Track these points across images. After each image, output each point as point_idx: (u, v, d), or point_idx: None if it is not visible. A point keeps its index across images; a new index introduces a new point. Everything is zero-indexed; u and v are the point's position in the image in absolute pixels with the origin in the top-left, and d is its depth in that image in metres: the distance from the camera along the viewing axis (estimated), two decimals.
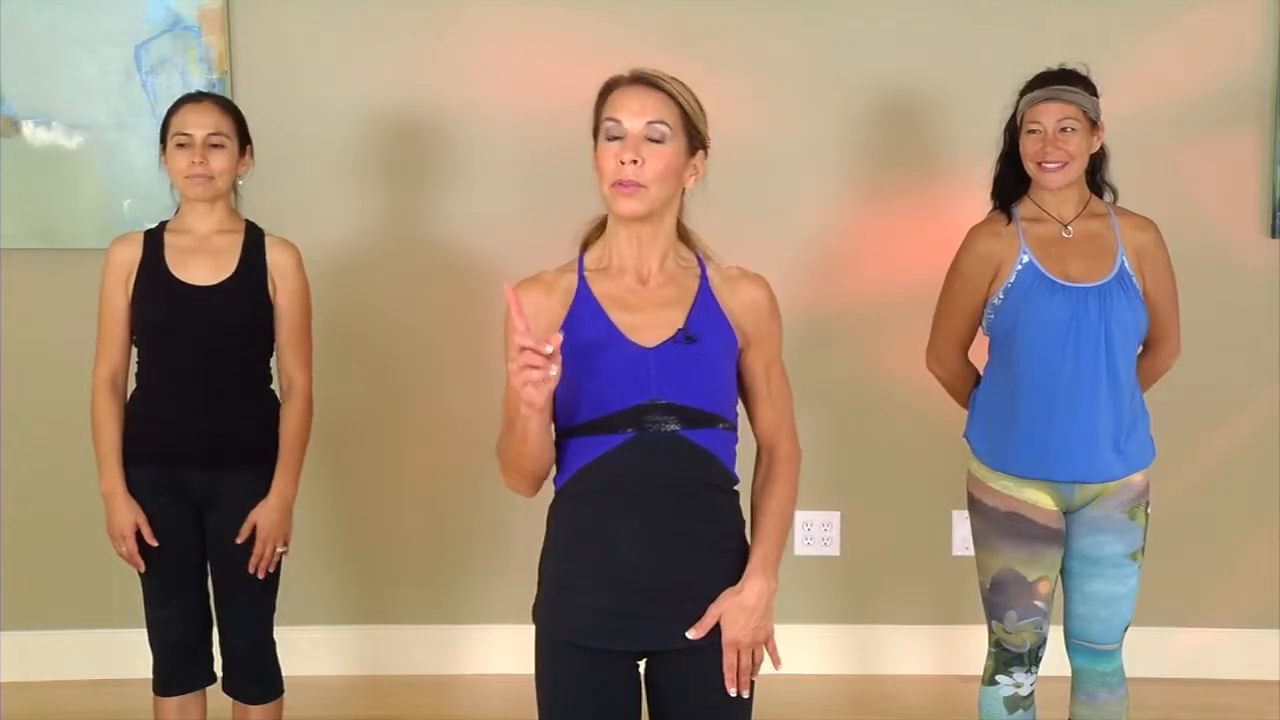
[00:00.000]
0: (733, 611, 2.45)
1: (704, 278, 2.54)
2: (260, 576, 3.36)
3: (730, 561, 2.51)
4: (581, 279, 2.50)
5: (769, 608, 2.48)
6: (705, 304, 2.51)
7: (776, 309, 2.59)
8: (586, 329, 2.45)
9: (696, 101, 2.50)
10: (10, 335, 4.45)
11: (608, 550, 2.45)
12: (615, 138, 2.44)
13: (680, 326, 2.47)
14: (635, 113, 2.43)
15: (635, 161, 2.41)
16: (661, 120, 2.43)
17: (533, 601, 2.58)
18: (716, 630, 2.47)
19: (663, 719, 2.55)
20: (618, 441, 2.43)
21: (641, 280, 2.50)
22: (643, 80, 2.47)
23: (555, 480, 2.54)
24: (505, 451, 2.48)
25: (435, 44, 4.46)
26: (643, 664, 2.52)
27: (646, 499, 2.44)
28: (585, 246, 2.59)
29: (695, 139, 2.49)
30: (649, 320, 2.47)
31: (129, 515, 3.32)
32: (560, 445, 2.50)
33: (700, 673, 2.48)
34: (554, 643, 2.51)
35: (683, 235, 2.57)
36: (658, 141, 2.43)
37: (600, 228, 2.58)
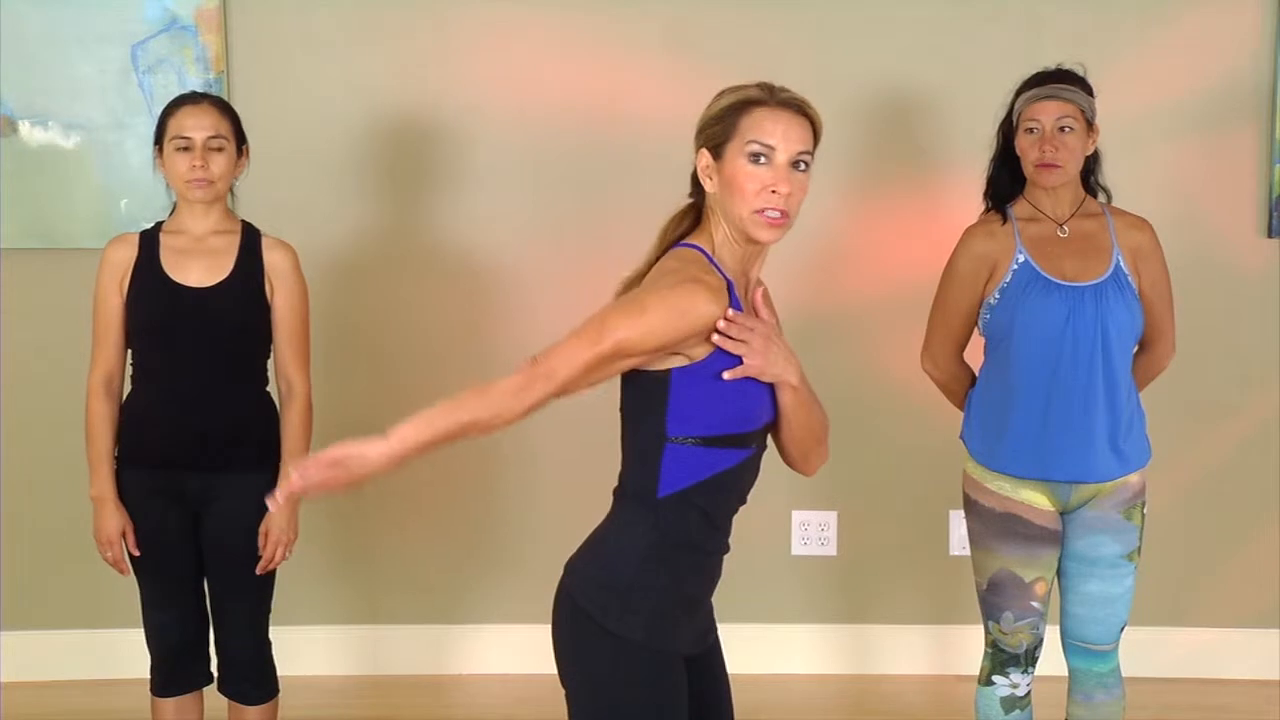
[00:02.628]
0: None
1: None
2: (259, 574, 3.36)
3: None
4: (731, 289, 2.44)
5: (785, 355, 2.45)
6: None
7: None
8: None
9: (823, 125, 2.49)
10: (8, 335, 4.45)
11: (709, 558, 2.51)
12: (761, 161, 2.40)
13: None
14: (791, 140, 2.41)
15: (789, 193, 2.40)
16: (808, 150, 2.43)
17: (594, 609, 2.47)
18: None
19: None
20: (744, 456, 2.45)
21: (742, 295, 2.49)
22: (793, 106, 2.44)
23: (657, 484, 2.43)
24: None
25: (432, 44, 4.46)
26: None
27: (734, 511, 2.52)
28: (670, 240, 2.52)
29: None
30: None
31: (116, 521, 3.33)
32: (672, 449, 2.42)
33: (718, 666, 2.61)
34: (659, 653, 2.44)
35: None
36: (801, 171, 2.43)
37: (682, 218, 2.52)
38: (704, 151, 2.45)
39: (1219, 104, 4.46)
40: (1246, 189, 4.49)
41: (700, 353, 2.39)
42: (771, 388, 2.45)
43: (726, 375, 2.38)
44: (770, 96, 2.44)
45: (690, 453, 2.41)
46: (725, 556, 2.56)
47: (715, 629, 2.61)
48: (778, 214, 2.40)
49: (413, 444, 2.33)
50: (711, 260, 2.45)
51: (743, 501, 2.54)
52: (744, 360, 2.39)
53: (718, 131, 2.44)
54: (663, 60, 4.38)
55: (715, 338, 2.36)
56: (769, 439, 2.54)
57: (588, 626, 2.44)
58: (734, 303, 2.42)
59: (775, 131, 2.40)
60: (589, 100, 4.45)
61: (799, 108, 2.44)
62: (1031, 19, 4.41)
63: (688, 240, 2.49)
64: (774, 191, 2.39)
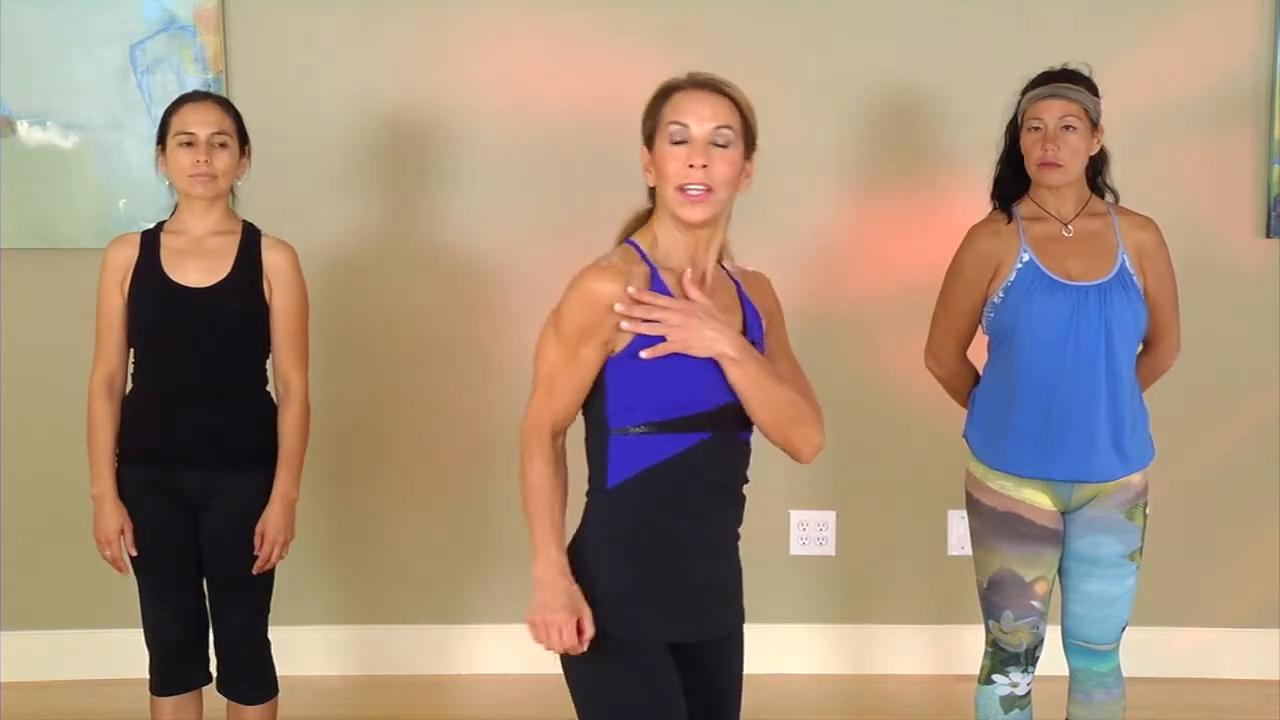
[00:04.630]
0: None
1: (735, 279, 2.60)
2: (256, 574, 3.36)
3: (738, 550, 2.64)
4: (656, 274, 2.48)
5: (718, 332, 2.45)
6: (749, 306, 2.58)
7: (777, 296, 2.69)
8: None
9: (752, 106, 2.52)
10: (7, 335, 4.44)
11: (678, 546, 2.49)
12: (680, 142, 2.45)
13: (740, 329, 2.52)
14: (704, 117, 2.44)
15: (704, 166, 2.43)
16: (727, 125, 2.46)
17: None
18: (740, 619, 2.64)
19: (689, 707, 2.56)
20: (693, 441, 2.45)
21: (699, 282, 2.50)
22: (707, 85, 2.48)
23: (606, 476, 2.50)
24: (523, 486, 2.54)
25: (431, 44, 4.45)
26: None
27: (711, 497, 2.50)
28: (620, 240, 2.57)
29: (750, 143, 2.52)
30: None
31: (116, 520, 3.33)
32: (617, 440, 2.48)
33: (727, 659, 2.61)
34: (629, 642, 2.48)
35: None
36: (723, 146, 2.45)
37: (638, 221, 2.57)
38: (643, 148, 2.52)
39: (1218, 104, 4.46)
40: (1245, 189, 4.49)
41: (623, 340, 2.44)
42: (707, 370, 2.44)
43: (644, 354, 2.41)
44: (688, 80, 2.50)
45: (635, 442, 2.45)
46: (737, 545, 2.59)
47: (732, 620, 2.61)
48: (699, 189, 2.43)
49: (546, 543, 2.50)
50: (640, 251, 2.49)
51: (726, 487, 2.53)
52: (666, 339, 2.41)
53: (647, 125, 2.51)
54: (662, 60, 4.31)
55: (623, 324, 2.40)
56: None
57: None
58: (658, 287, 2.45)
59: (691, 110, 2.45)
60: (588, 100, 4.44)
61: (715, 86, 2.49)
62: (1032, 19, 4.41)
63: (631, 237, 2.54)
64: (690, 166, 2.42)
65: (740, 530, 2.62)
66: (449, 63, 4.46)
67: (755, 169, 2.55)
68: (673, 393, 2.44)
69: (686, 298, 2.45)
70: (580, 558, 2.51)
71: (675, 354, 2.42)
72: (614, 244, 2.57)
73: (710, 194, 2.44)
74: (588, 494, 2.54)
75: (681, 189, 2.44)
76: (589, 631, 2.44)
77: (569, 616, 2.43)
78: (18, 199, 4.40)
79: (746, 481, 2.60)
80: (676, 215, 2.47)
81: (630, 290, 2.40)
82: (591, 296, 2.43)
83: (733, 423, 2.50)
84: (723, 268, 2.58)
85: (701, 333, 2.41)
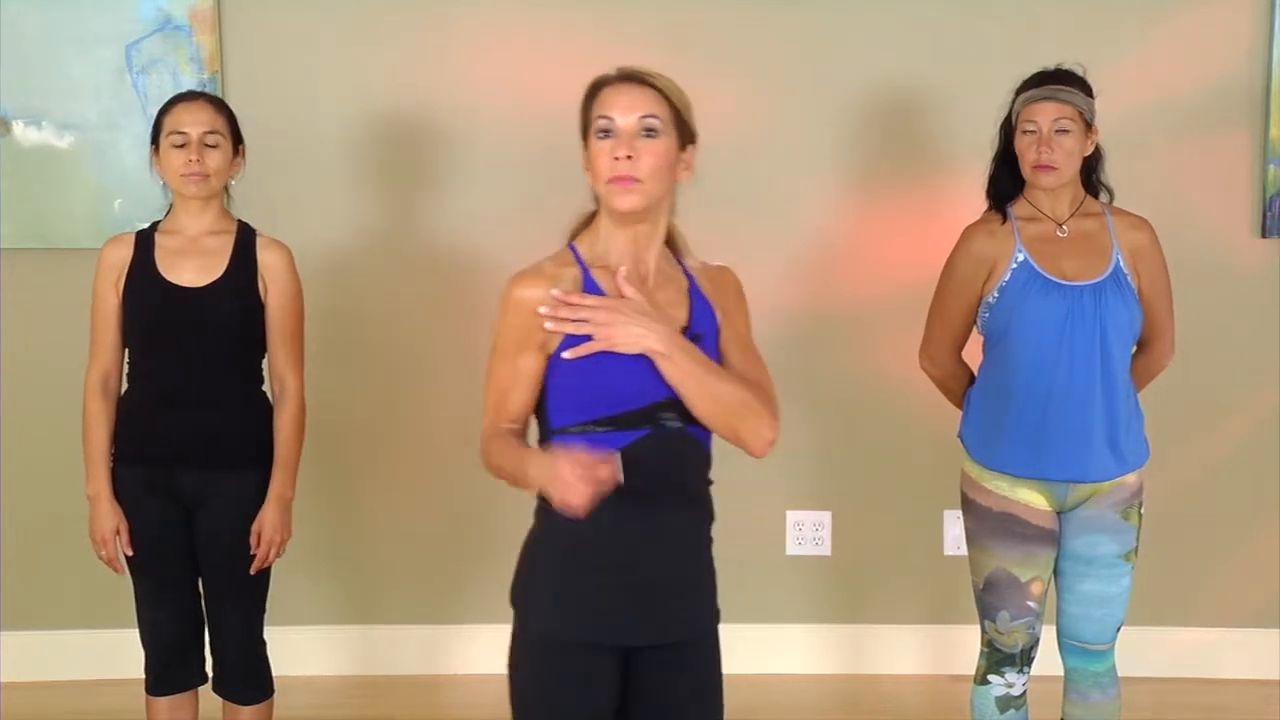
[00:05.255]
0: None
1: (689, 274, 2.56)
2: (252, 573, 3.36)
3: (708, 553, 2.59)
4: (587, 274, 2.49)
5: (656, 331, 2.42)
6: (700, 301, 2.54)
7: (742, 290, 2.64)
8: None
9: (684, 95, 2.51)
10: (4, 335, 4.44)
11: (620, 546, 2.46)
12: (607, 135, 2.44)
13: (684, 324, 2.49)
14: (626, 108, 2.44)
15: (630, 157, 2.42)
16: (653, 115, 2.44)
17: (510, 595, 2.57)
18: (704, 624, 2.56)
19: (639, 713, 2.54)
20: (630, 439, 2.43)
21: (639, 278, 2.49)
22: (631, 78, 2.48)
23: None
24: (496, 471, 2.52)
25: (427, 43, 4.45)
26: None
27: (658, 495, 2.45)
28: (572, 239, 2.58)
29: (685, 133, 2.50)
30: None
31: (111, 520, 3.33)
32: (558, 440, 2.47)
33: (685, 666, 2.53)
34: (550, 642, 2.49)
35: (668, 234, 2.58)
36: (650, 137, 2.44)
37: (585, 223, 2.57)
38: (582, 148, 2.51)
39: (1213, 104, 4.46)
40: (1240, 189, 4.49)
41: (554, 342, 2.44)
42: (641, 366, 2.41)
43: (565, 355, 2.41)
44: (614, 74, 2.50)
45: (573, 441, 2.42)
46: (710, 548, 2.55)
47: (692, 625, 2.54)
48: (627, 180, 2.42)
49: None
50: (576, 254, 2.50)
51: (676, 485, 2.49)
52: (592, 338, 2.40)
53: (581, 125, 2.51)
54: (661, 61, 4.33)
55: (548, 324, 2.40)
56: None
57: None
58: (590, 288, 2.45)
59: (616, 103, 2.46)
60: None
61: (639, 78, 2.49)
62: (1029, 19, 4.41)
63: (575, 239, 2.55)
64: (616, 158, 2.42)
65: (710, 531, 2.57)
66: (447, 63, 4.46)
67: (695, 158, 2.52)
68: (604, 391, 2.43)
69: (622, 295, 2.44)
70: (521, 555, 2.55)
71: (604, 352, 2.41)
72: (564, 245, 2.57)
73: (637, 184, 2.43)
74: (538, 493, 2.52)
75: (611, 181, 2.43)
76: (610, 463, 2.33)
77: (576, 467, 2.30)
78: (13, 199, 4.40)
79: (709, 481, 2.55)
80: (609, 208, 2.47)
81: (554, 293, 2.40)
82: (517, 303, 2.45)
83: (676, 418, 2.45)
84: (681, 263, 2.57)
85: (628, 329, 2.39)
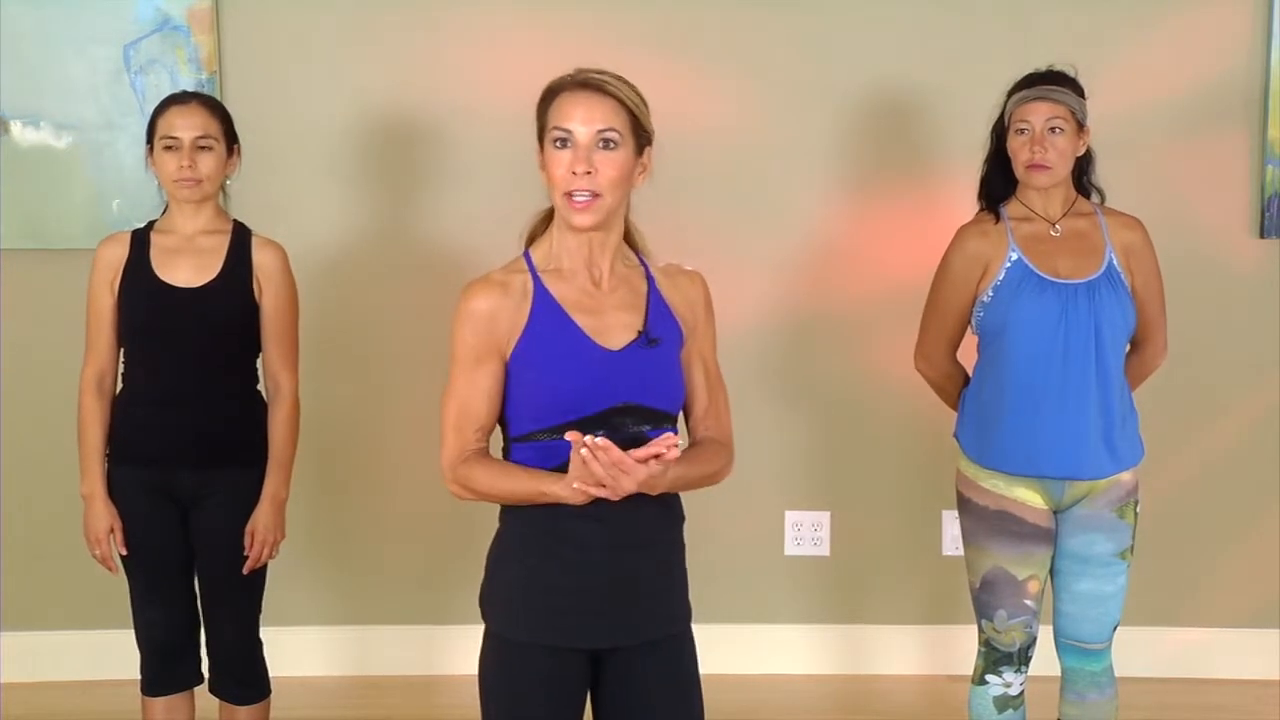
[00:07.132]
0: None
1: (650, 277, 2.55)
2: (246, 573, 3.36)
3: (677, 554, 2.59)
4: (537, 280, 2.47)
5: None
6: (657, 305, 2.52)
7: (711, 303, 2.61)
8: (550, 332, 2.45)
9: (641, 98, 2.46)
10: (2, 335, 4.44)
11: (578, 551, 2.46)
12: (564, 146, 2.40)
13: (640, 329, 2.47)
14: (584, 120, 2.40)
15: (589, 172, 2.38)
16: (611, 128, 2.40)
17: (478, 597, 2.62)
18: (676, 622, 2.56)
19: (612, 714, 2.55)
20: None
21: (595, 283, 2.48)
22: (588, 85, 2.43)
23: None
24: (481, 496, 2.52)
25: (424, 44, 4.45)
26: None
27: (620, 498, 2.40)
28: (531, 240, 2.57)
29: (642, 137, 2.47)
30: (609, 323, 2.47)
31: (105, 519, 3.33)
32: (519, 448, 2.49)
33: (656, 667, 2.52)
34: (512, 643, 2.52)
35: (626, 233, 2.55)
36: (608, 149, 2.40)
37: (543, 222, 2.55)
38: (538, 151, 2.48)
39: (1211, 104, 4.46)
40: (1238, 189, 4.49)
41: (511, 348, 2.44)
42: (594, 372, 2.41)
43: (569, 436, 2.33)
44: (571, 80, 2.45)
45: (531, 449, 2.45)
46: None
47: (659, 625, 2.53)
48: (585, 196, 2.39)
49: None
50: (529, 262, 2.49)
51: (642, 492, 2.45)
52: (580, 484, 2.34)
53: (538, 128, 2.48)
54: (660, 61, 4.38)
55: (585, 453, 2.29)
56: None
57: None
58: (540, 296, 2.44)
59: (574, 114, 2.41)
60: None
61: (599, 86, 2.43)
62: (1025, 20, 4.40)
63: (531, 243, 2.54)
64: (574, 173, 2.38)
65: (680, 531, 2.57)
66: (444, 63, 4.45)
67: (652, 159, 2.50)
68: (558, 398, 2.42)
69: (641, 461, 2.32)
70: (488, 558, 2.58)
71: (561, 359, 2.41)
72: (520, 243, 2.56)
73: (596, 199, 2.40)
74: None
75: (568, 195, 2.40)
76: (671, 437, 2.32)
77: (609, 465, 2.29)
78: (11, 199, 4.40)
79: None
80: (566, 222, 2.44)
81: (589, 440, 2.28)
82: (469, 314, 2.45)
83: (633, 422, 2.44)
84: (642, 263, 2.55)
85: (619, 487, 2.33)
